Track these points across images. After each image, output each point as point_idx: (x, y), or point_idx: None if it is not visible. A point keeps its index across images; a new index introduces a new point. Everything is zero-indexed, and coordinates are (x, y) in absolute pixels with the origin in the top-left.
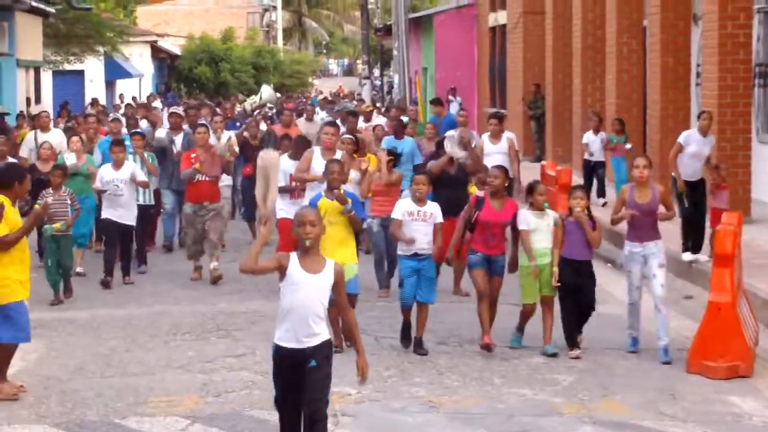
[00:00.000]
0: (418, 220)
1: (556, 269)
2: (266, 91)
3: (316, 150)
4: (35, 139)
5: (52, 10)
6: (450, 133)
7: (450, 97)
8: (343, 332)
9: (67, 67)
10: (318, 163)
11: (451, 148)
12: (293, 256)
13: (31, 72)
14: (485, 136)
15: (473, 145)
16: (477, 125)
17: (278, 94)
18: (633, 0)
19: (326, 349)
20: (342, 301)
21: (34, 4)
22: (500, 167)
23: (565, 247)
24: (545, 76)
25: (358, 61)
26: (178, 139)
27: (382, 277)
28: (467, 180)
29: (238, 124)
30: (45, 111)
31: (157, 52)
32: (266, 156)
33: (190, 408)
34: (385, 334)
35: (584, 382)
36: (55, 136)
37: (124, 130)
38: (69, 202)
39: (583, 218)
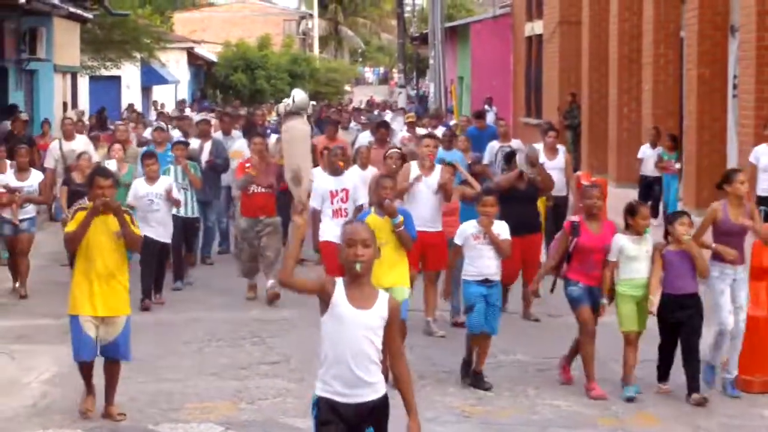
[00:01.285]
0: (485, 243)
1: (653, 297)
2: (298, 95)
3: (413, 164)
4: (60, 148)
5: (90, 15)
6: (517, 143)
7: (486, 107)
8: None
9: (104, 72)
10: (416, 176)
11: (521, 164)
12: (340, 282)
13: (68, 77)
14: (540, 149)
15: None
16: (513, 135)
17: (313, 102)
18: (670, 11)
19: (384, 407)
20: (395, 346)
21: (72, 9)
22: (596, 185)
23: (669, 279)
24: (581, 86)
25: (393, 70)
26: (207, 146)
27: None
28: (538, 196)
29: (269, 131)
30: (68, 118)
31: (193, 58)
32: (293, 126)
33: (224, 414)
34: (417, 342)
35: (619, 392)
36: (80, 144)
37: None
38: None
39: (694, 248)
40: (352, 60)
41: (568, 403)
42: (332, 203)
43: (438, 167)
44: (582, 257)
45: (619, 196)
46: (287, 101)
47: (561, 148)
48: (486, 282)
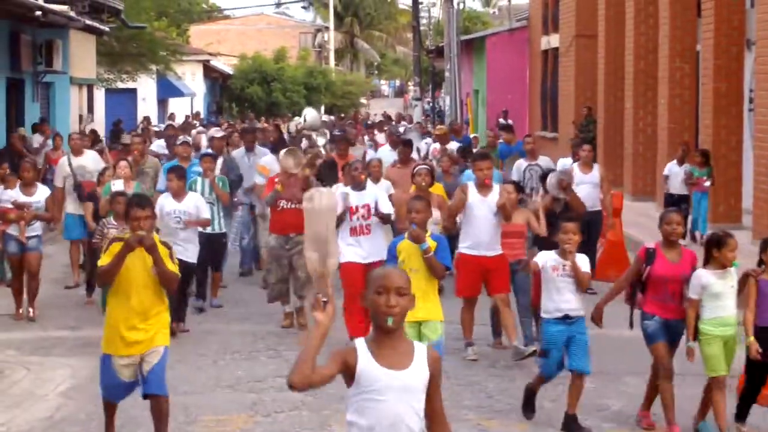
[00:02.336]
0: (565, 276)
1: (751, 338)
2: (310, 114)
3: (471, 185)
4: (69, 164)
5: (106, 28)
6: (545, 160)
7: (501, 120)
8: None
9: (120, 85)
10: (474, 198)
11: (552, 188)
12: (361, 346)
13: (85, 90)
14: (575, 165)
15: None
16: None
17: (330, 117)
18: (686, 25)
19: None
20: (437, 410)
21: (88, 22)
22: (677, 210)
23: (760, 311)
24: (597, 100)
25: (409, 83)
26: (218, 162)
27: (493, 325)
28: (575, 219)
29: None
30: (76, 133)
31: (209, 71)
32: (318, 197)
33: (240, 427)
34: None
35: (635, 407)
36: (89, 160)
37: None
38: None
39: None
40: (368, 73)
41: (584, 416)
42: (351, 219)
43: (496, 187)
44: (657, 287)
45: (635, 210)
46: (299, 120)
47: (596, 163)
48: (566, 318)
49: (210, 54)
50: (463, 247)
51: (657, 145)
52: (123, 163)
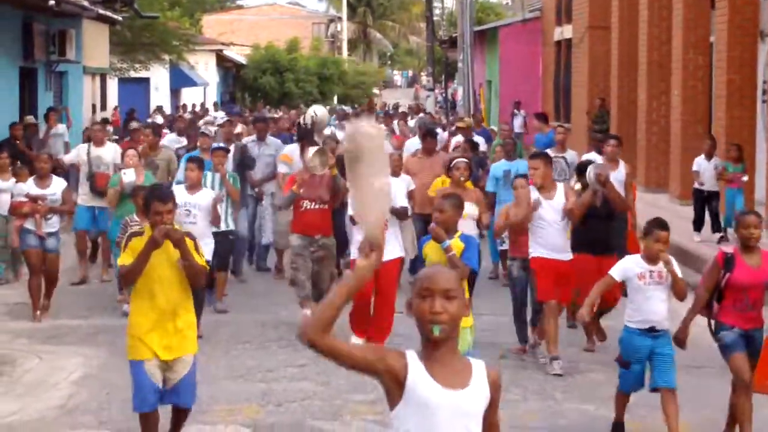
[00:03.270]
0: (652, 284)
1: None
2: (320, 111)
3: (532, 189)
4: (87, 153)
5: (119, 17)
6: (571, 154)
7: (515, 111)
8: None
9: (133, 74)
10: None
11: (590, 182)
12: (412, 356)
13: (98, 79)
14: (598, 160)
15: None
16: None
17: (343, 107)
18: (700, 16)
19: None
20: (493, 426)
21: (101, 11)
22: (754, 212)
23: None
24: (610, 91)
25: (422, 73)
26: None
27: (524, 332)
28: (614, 213)
29: (294, 138)
30: (98, 123)
31: (222, 61)
32: (361, 132)
33: (251, 417)
34: None
35: (646, 399)
36: (109, 152)
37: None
38: None
39: None
40: (381, 63)
41: (596, 406)
42: None
43: (560, 186)
44: (736, 295)
45: (648, 201)
46: (311, 113)
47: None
48: (652, 331)
49: (223, 44)
50: (537, 252)
51: (670, 136)
52: (131, 152)
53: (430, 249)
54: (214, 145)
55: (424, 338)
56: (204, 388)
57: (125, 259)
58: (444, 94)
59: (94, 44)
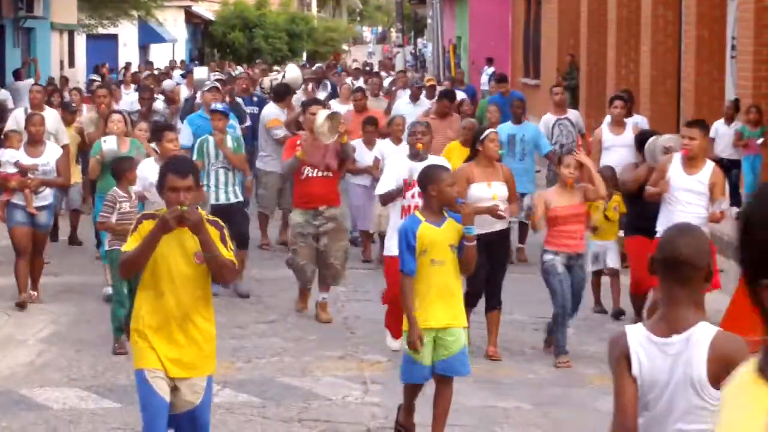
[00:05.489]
0: None
1: None
2: (291, 71)
3: (676, 158)
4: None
5: None
6: (575, 114)
7: (485, 67)
8: None
9: (101, 31)
10: (678, 176)
11: (652, 157)
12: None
13: (65, 35)
14: (605, 123)
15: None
16: None
17: (319, 65)
18: None
19: None
20: None
21: None
22: None
23: None
24: (580, 48)
25: (392, 30)
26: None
27: (563, 340)
28: None
29: (255, 99)
30: (37, 85)
31: (191, 17)
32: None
33: (221, 373)
34: None
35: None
36: (49, 118)
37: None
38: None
39: None
40: (350, 19)
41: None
42: (404, 197)
43: (709, 165)
44: None
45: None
46: (275, 75)
47: (629, 121)
48: None
49: (191, 0)
50: (660, 231)
51: (640, 92)
52: (117, 116)
53: (426, 234)
54: (214, 106)
55: None
56: None
57: (130, 244)
58: (413, 52)
59: (62, 0)
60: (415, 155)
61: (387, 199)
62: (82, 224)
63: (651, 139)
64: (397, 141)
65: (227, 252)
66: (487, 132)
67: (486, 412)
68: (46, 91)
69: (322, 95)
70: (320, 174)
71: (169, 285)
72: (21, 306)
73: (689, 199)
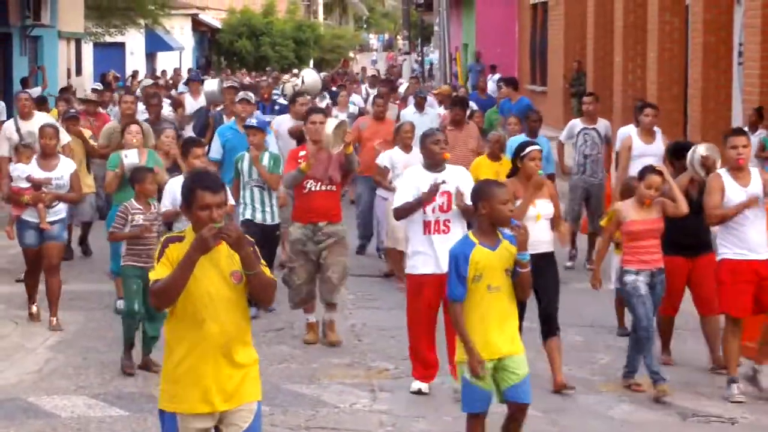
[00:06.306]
0: None
1: None
2: (309, 76)
3: (723, 173)
4: (17, 129)
5: None
6: (604, 124)
7: (490, 75)
8: None
9: (108, 39)
10: (732, 189)
11: (693, 166)
12: None
13: (72, 44)
14: (633, 132)
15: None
16: None
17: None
18: None
19: None
20: None
21: None
22: None
23: None
24: (586, 54)
25: (398, 37)
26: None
27: (656, 366)
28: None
29: (277, 108)
30: (25, 92)
31: (197, 25)
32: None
33: None
34: None
35: (623, 360)
36: (37, 125)
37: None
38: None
39: None
40: (357, 27)
41: (572, 368)
42: (424, 211)
43: (754, 171)
44: None
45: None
46: (296, 81)
47: (658, 130)
48: None
49: (198, 8)
50: (727, 252)
51: (646, 99)
52: (135, 128)
53: (481, 259)
54: (249, 121)
55: None
56: None
57: (160, 272)
58: (420, 60)
59: (69, 9)
60: (433, 165)
61: (403, 213)
62: (93, 233)
63: (691, 150)
64: (407, 149)
65: (267, 270)
66: (528, 150)
67: (493, 418)
68: (30, 98)
69: (323, 103)
70: (323, 188)
71: (209, 310)
72: (32, 317)
73: (753, 212)
